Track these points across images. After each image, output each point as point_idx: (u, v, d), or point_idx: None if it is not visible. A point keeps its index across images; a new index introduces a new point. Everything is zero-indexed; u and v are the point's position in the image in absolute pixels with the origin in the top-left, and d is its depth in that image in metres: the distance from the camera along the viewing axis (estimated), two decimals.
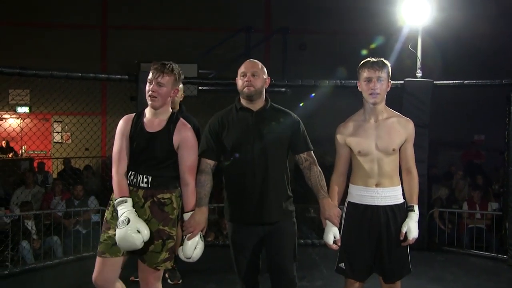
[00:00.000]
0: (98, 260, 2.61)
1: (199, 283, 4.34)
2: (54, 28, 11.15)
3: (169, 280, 4.27)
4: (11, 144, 10.01)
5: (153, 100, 2.57)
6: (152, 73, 2.58)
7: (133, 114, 2.71)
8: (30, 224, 5.35)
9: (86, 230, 5.62)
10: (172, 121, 2.62)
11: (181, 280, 4.29)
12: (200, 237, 2.62)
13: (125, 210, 2.50)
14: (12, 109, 10.45)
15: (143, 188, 2.58)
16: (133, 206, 2.55)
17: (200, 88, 8.41)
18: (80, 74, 5.04)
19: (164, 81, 2.56)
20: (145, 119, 2.64)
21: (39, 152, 9.84)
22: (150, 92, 2.57)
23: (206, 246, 5.60)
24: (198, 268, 4.75)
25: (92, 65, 9.95)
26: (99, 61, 11.22)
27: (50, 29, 11.13)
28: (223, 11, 11.14)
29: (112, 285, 2.63)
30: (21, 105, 10.38)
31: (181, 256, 2.62)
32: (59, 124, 10.67)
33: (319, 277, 4.50)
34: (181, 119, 2.68)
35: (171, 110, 2.70)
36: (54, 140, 10.71)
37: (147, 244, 2.52)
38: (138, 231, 2.44)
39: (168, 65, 2.58)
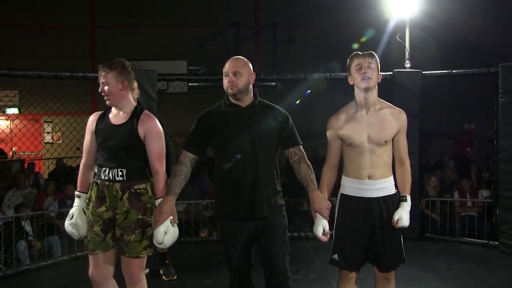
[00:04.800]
0: (91, 257, 2.74)
1: (194, 279, 4.35)
2: (43, 29, 11.05)
3: (164, 277, 4.27)
4: (1, 146, 9.92)
5: (107, 100, 2.72)
6: (99, 76, 2.72)
7: (101, 111, 2.82)
8: (25, 225, 5.31)
9: None
10: (136, 114, 2.72)
11: (176, 276, 4.30)
12: (171, 223, 2.63)
13: (75, 205, 2.77)
14: (0, 111, 10.36)
15: (119, 181, 2.66)
16: (112, 199, 2.66)
17: (190, 84, 8.40)
18: (68, 74, 5.00)
19: (106, 79, 2.68)
20: (111, 115, 2.77)
21: (29, 153, 9.77)
22: (102, 93, 2.72)
23: (200, 242, 5.68)
24: (193, 264, 4.78)
25: (82, 65, 9.88)
26: (89, 60, 11.14)
27: (39, 30, 11.03)
28: (212, 7, 11.11)
29: (108, 280, 2.74)
30: (10, 106, 10.30)
31: (154, 241, 2.65)
32: (49, 125, 10.59)
33: (314, 270, 4.52)
34: (146, 111, 2.76)
35: (134, 103, 2.79)
36: (45, 141, 10.65)
37: (127, 235, 2.64)
38: (74, 227, 2.73)
39: (107, 63, 2.69)
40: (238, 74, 2.66)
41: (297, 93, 8.71)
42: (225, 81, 2.70)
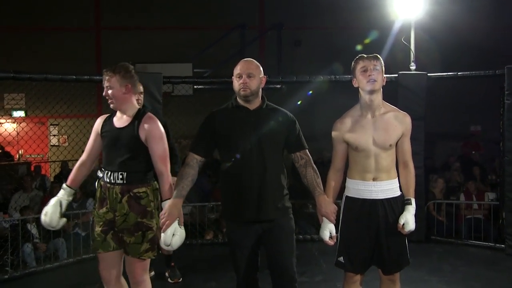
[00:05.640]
0: (98, 256, 2.82)
1: (199, 281, 4.36)
2: (48, 31, 11.12)
3: (169, 279, 4.28)
4: (8, 149, 9.98)
5: (111, 103, 2.77)
6: (103, 80, 2.77)
7: (108, 115, 2.88)
8: (31, 228, 5.33)
9: (85, 233, 5.61)
10: (138, 116, 2.77)
11: (181, 279, 4.31)
12: (179, 225, 2.63)
13: (57, 195, 2.82)
14: (7, 114, 10.43)
15: (119, 184, 2.71)
16: (112, 202, 2.71)
17: (195, 87, 8.42)
18: (74, 77, 5.02)
19: (109, 83, 2.74)
20: (115, 118, 2.82)
21: (36, 156, 9.83)
22: (106, 97, 2.77)
23: (206, 244, 5.68)
24: (198, 266, 4.79)
25: (87, 67, 9.92)
26: (94, 63, 11.19)
27: (44, 32, 11.09)
28: (217, 9, 11.14)
29: (116, 279, 2.79)
30: (17, 109, 10.38)
31: (161, 243, 2.65)
32: (55, 127, 10.65)
33: (319, 272, 4.52)
34: (148, 113, 2.80)
35: (137, 106, 2.84)
36: (51, 143, 10.70)
37: (127, 237, 2.71)
38: (45, 214, 2.75)
39: (110, 67, 2.75)
40: (251, 76, 2.67)
41: (303, 95, 8.71)
42: (237, 83, 2.69)
